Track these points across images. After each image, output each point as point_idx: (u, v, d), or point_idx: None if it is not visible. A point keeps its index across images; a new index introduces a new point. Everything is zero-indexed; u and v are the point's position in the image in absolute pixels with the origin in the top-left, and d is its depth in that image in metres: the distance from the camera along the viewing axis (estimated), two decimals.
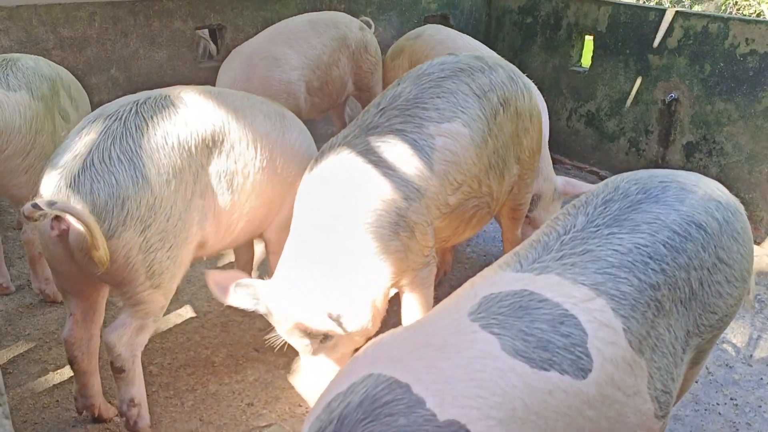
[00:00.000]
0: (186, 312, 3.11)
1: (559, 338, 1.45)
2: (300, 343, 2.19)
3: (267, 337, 2.28)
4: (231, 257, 3.47)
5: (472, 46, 3.81)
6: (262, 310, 2.14)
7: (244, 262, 3.15)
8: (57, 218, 2.03)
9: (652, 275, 1.59)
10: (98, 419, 2.43)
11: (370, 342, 1.53)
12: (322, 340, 2.17)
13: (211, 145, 2.34)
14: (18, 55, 2.99)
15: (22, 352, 2.79)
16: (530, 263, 1.63)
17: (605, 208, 1.72)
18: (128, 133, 2.16)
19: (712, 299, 1.70)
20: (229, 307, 3.06)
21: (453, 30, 4.11)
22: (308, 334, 2.14)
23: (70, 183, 2.07)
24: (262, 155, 2.52)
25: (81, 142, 2.15)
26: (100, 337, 2.34)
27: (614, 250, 1.61)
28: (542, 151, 3.11)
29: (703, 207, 1.73)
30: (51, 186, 2.09)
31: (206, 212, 2.35)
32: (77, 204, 2.03)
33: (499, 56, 3.36)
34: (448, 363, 1.35)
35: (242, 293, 2.11)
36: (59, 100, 2.93)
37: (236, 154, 2.42)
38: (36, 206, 1.91)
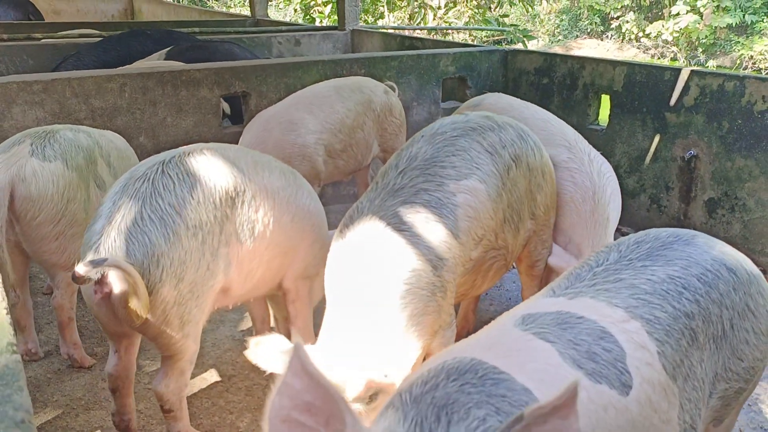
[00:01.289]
0: (211, 376, 3.12)
1: (603, 352, 1.45)
2: None
3: None
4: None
5: (540, 117, 3.43)
6: None
7: (260, 320, 3.24)
8: (100, 282, 2.19)
9: (687, 304, 1.60)
10: None
11: (433, 356, 1.50)
12: (368, 402, 2.18)
13: (234, 196, 2.48)
14: (60, 126, 3.11)
15: (49, 419, 2.80)
16: (563, 290, 1.65)
17: (638, 246, 1.76)
18: (156, 193, 2.32)
19: (740, 345, 1.70)
20: (254, 371, 3.10)
21: (515, 99, 3.76)
22: (360, 397, 2.15)
23: (108, 248, 2.22)
24: (280, 207, 2.67)
25: (114, 207, 2.32)
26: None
27: (648, 278, 1.63)
28: (608, 236, 3.13)
29: (732, 256, 1.78)
30: (90, 252, 2.23)
31: (230, 259, 2.48)
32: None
33: (553, 119, 3.42)
34: (528, 366, 1.34)
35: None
36: (96, 169, 3.04)
37: (257, 204, 2.56)
38: (88, 265, 2.09)
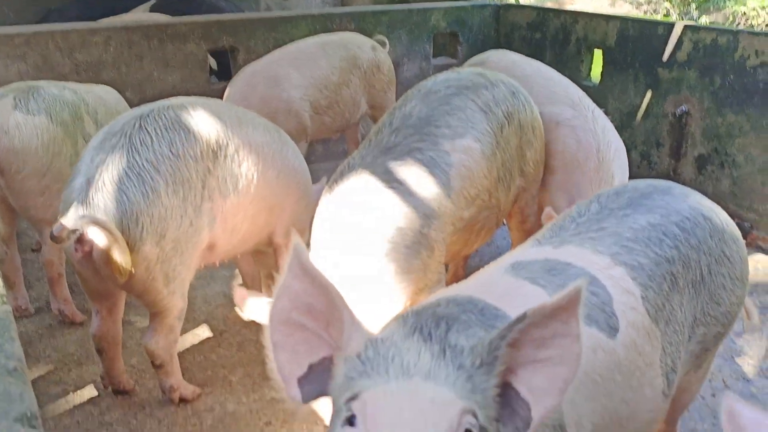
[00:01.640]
0: (202, 332, 3.14)
1: (591, 296, 1.48)
2: None
3: None
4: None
5: (543, 74, 3.38)
6: None
7: (249, 276, 3.25)
8: (80, 241, 2.17)
9: (668, 250, 1.64)
10: (123, 392, 2.66)
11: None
12: None
13: (216, 149, 2.44)
14: (44, 82, 3.06)
15: (42, 374, 2.82)
16: (548, 239, 1.67)
17: (617, 197, 1.79)
18: (134, 149, 2.28)
19: (717, 290, 1.75)
20: (245, 326, 3.12)
21: (519, 55, 3.68)
22: None
23: (86, 205, 2.20)
24: (264, 162, 2.64)
25: (92, 164, 2.27)
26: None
27: (630, 226, 1.67)
28: None
29: (707, 205, 1.83)
30: (69, 210, 2.21)
31: (215, 215, 2.46)
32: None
33: (549, 72, 3.40)
34: (522, 309, 1.35)
35: None
36: (83, 125, 3.00)
37: (240, 159, 2.53)
38: (65, 223, 2.08)
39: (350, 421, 0.99)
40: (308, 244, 2.52)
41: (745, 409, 1.41)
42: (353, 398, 1.01)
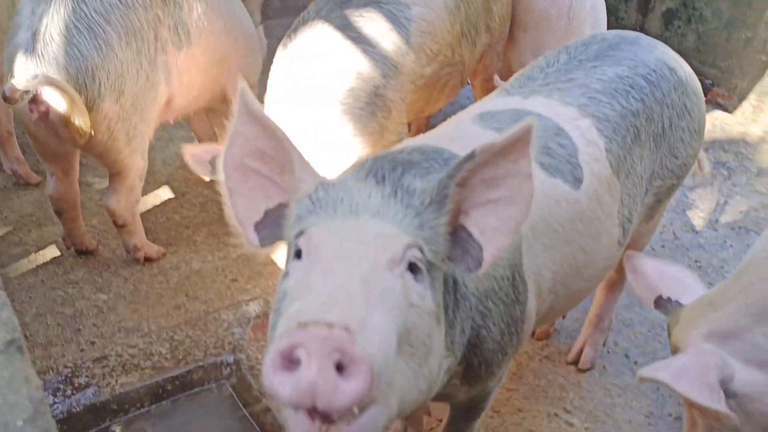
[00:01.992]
0: (164, 193, 3.11)
1: (558, 147, 1.50)
2: None
3: None
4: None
5: None
6: None
7: (206, 136, 3.19)
8: (35, 101, 2.05)
9: (633, 103, 1.66)
10: (86, 252, 2.66)
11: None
12: None
13: None
14: None
15: (1, 235, 2.79)
16: (516, 89, 1.67)
17: (586, 48, 1.78)
18: None
19: (676, 143, 1.79)
20: (207, 187, 3.09)
21: None
22: None
23: (36, 63, 2.06)
24: (212, 11, 2.53)
25: (34, 16, 2.10)
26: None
27: (598, 78, 1.67)
28: None
29: (672, 57, 1.84)
30: (18, 67, 2.07)
31: (170, 68, 2.38)
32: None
33: None
34: None
35: None
36: None
37: (189, 6, 2.42)
38: (18, 82, 1.95)
39: (298, 254, 1.01)
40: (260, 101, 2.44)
41: (643, 260, 1.48)
42: (300, 234, 1.02)
